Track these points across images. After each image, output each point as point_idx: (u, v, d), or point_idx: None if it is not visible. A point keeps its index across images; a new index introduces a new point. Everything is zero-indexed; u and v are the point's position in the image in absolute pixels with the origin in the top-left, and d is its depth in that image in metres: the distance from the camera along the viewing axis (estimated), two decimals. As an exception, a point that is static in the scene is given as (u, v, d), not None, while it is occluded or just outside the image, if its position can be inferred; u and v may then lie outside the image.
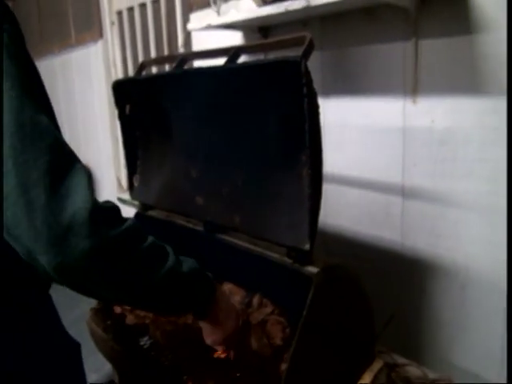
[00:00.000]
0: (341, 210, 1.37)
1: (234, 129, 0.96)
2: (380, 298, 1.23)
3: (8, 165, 0.52)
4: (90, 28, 2.77)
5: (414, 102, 1.17)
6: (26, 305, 0.69)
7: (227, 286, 1.31)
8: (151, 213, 1.42)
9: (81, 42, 2.93)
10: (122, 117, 1.40)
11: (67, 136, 3.37)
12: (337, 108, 1.34)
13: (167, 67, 1.98)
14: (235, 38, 1.51)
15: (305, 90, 0.70)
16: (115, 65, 2.64)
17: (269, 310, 1.18)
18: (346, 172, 1.34)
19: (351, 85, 1.29)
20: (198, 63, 1.34)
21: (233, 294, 1.28)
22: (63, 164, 0.54)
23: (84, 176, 0.55)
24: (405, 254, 1.22)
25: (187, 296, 0.69)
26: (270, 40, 0.87)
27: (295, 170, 0.79)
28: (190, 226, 1.21)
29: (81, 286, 0.56)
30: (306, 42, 0.73)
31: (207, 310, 0.76)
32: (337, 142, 1.35)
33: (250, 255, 0.99)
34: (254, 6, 1.18)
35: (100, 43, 2.66)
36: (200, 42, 1.74)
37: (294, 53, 0.75)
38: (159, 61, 1.29)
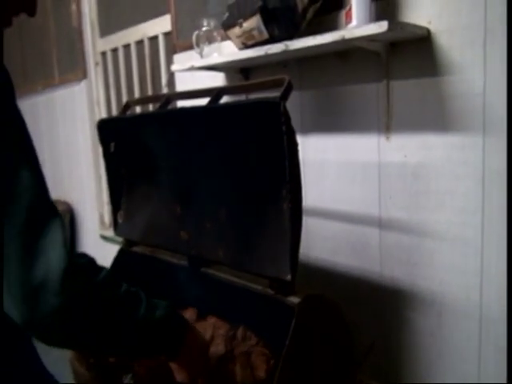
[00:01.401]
0: (321, 242, 1.41)
1: (218, 166, 1.01)
2: (360, 326, 1.26)
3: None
4: (74, 68, 2.84)
5: (388, 138, 1.23)
6: (5, 342, 0.69)
7: (211, 320, 1.31)
8: (135, 249, 1.43)
9: (64, 81, 2.98)
10: (106, 154, 1.43)
11: (50, 173, 3.37)
12: (315, 145, 1.40)
13: (151, 107, 2.04)
14: (217, 79, 1.58)
15: (284, 128, 0.75)
16: (99, 104, 2.70)
17: (253, 342, 1.19)
18: (326, 205, 1.39)
19: (329, 123, 1.36)
20: (181, 103, 1.40)
21: (216, 327, 1.29)
22: (39, 223, 0.56)
23: (60, 233, 0.57)
24: (383, 283, 1.26)
25: (159, 340, 0.72)
26: (251, 82, 0.93)
27: (276, 204, 0.83)
28: (175, 261, 1.23)
29: (51, 340, 0.58)
30: (285, 84, 0.79)
31: (178, 350, 0.77)
32: (316, 177, 1.41)
33: (234, 288, 1.01)
34: (235, 49, 1.25)
35: (84, 83, 2.72)
36: (183, 83, 1.80)
37: (274, 94, 0.80)
38: (144, 101, 1.34)
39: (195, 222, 1.12)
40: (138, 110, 2.06)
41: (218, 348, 1.19)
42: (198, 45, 1.36)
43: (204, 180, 1.06)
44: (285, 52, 1.06)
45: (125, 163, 1.42)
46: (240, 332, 1.21)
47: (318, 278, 1.42)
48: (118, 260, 1.47)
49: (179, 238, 1.17)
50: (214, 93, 0.96)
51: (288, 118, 0.76)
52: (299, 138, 1.41)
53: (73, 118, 2.94)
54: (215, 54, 1.31)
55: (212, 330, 1.29)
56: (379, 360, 1.24)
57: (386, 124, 1.23)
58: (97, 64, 2.65)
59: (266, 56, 1.17)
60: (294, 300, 0.85)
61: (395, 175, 1.22)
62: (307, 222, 1.43)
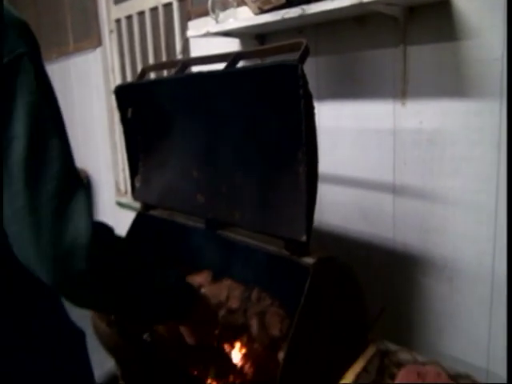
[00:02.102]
0: (335, 208, 1.43)
1: (234, 130, 1.02)
2: (373, 290, 1.29)
3: (18, 185, 0.58)
4: (89, 35, 2.83)
5: (403, 104, 1.23)
6: (29, 292, 0.73)
7: (226, 282, 1.36)
8: (153, 212, 1.47)
9: (79, 49, 2.98)
10: (123, 120, 1.45)
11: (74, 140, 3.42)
12: (331, 111, 1.40)
13: (165, 73, 2.04)
14: (232, 46, 1.58)
15: (301, 91, 0.76)
16: (114, 71, 2.70)
17: (268, 302, 1.23)
18: (340, 172, 1.41)
19: (344, 89, 1.36)
20: (197, 69, 1.40)
21: (232, 289, 1.33)
22: (68, 190, 0.60)
23: (86, 202, 0.61)
24: (396, 249, 1.28)
25: (170, 306, 0.78)
26: (268, 46, 0.93)
27: (292, 167, 0.85)
28: (191, 223, 1.27)
29: (77, 299, 0.63)
30: (302, 48, 0.79)
31: (187, 315, 0.82)
32: (331, 144, 1.41)
33: (250, 249, 1.04)
34: (251, 14, 1.25)
35: (99, 50, 2.72)
36: (198, 50, 1.80)
37: (290, 58, 0.81)
38: (160, 66, 1.35)
39: (211, 185, 1.14)
40: (152, 76, 2.07)
41: (232, 306, 1.24)
42: (213, 10, 1.35)
43: (220, 143, 1.08)
44: (301, 17, 1.05)
45: (142, 128, 1.44)
46: (255, 293, 1.26)
47: (330, 242, 1.46)
48: (135, 223, 1.51)
49: (196, 201, 1.19)
50: (231, 57, 0.97)
51: (305, 82, 0.77)
52: (315, 104, 1.44)
53: (87, 86, 2.95)
54: (231, 20, 1.30)
55: (227, 291, 1.33)
56: (391, 323, 1.27)
57: (402, 90, 1.23)
58: (111, 31, 2.64)
59: (283, 21, 1.16)
60: (309, 261, 0.88)
61: (410, 142, 1.22)
62: (320, 189, 1.44)
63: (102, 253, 0.61)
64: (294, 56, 0.80)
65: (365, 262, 1.36)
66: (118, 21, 2.59)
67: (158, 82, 1.28)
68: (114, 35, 2.63)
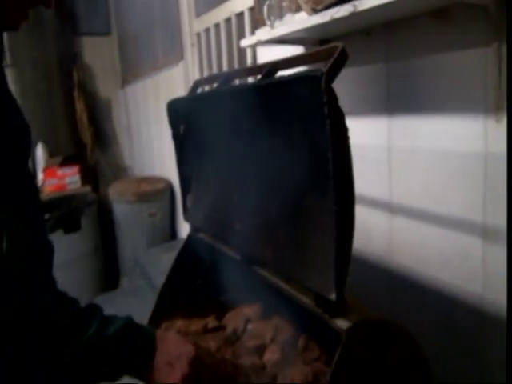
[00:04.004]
0: (408, 248, 1.18)
1: (269, 153, 0.86)
2: (447, 365, 1.02)
3: None
4: (174, 50, 2.88)
5: (498, 121, 0.96)
6: None
7: (275, 321, 1.20)
8: (201, 235, 1.37)
9: (166, 64, 3.06)
10: (176, 136, 1.38)
11: (157, 152, 3.53)
12: (405, 128, 1.17)
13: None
14: (297, 53, 1.42)
15: (326, 110, 0.58)
16: (193, 85, 2.69)
17: (315, 355, 1.04)
18: (415, 204, 1.15)
19: (421, 101, 1.12)
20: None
21: (279, 330, 1.17)
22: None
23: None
24: (486, 309, 1.00)
25: (119, 358, 0.67)
26: (304, 53, 0.76)
27: (321, 204, 0.66)
28: (231, 254, 1.13)
29: None
30: (335, 54, 0.61)
31: (145, 368, 0.69)
32: (404, 169, 1.17)
33: (284, 296, 0.87)
34: (306, 16, 1.08)
35: (181, 64, 2.74)
36: (264, 58, 1.67)
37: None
38: (211, 79, 1.24)
39: (249, 214, 1.00)
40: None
41: (272, 356, 1.07)
42: (268, 18, 1.21)
43: (256, 167, 0.93)
44: (354, 15, 0.86)
45: (193, 145, 1.35)
46: (302, 341, 1.08)
47: (402, 291, 1.20)
48: (186, 245, 1.42)
49: (234, 230, 1.06)
50: (266, 69, 0.81)
51: (332, 97, 0.58)
52: (385, 121, 1.21)
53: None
54: (279, 25, 1.15)
55: (272, 332, 1.17)
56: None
57: (496, 102, 0.96)
58: (192, 45, 2.64)
59: (336, 22, 0.97)
60: (342, 324, 0.68)
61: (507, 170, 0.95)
62: (392, 222, 1.22)
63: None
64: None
65: (441, 320, 1.08)
66: (198, 34, 2.57)
67: (202, 96, 1.17)
68: (195, 48, 2.63)
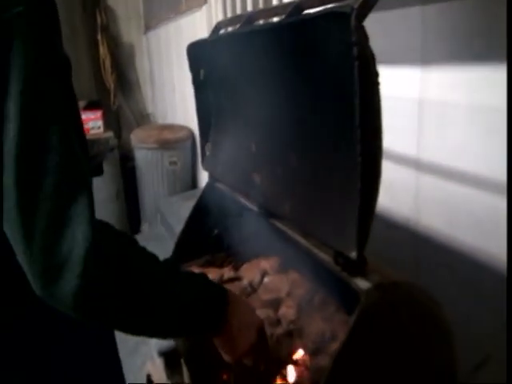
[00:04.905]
0: (436, 208, 1.12)
1: (290, 99, 0.81)
2: (474, 329, 0.99)
3: (9, 179, 0.48)
4: (197, -7, 2.75)
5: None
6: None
7: (291, 276, 1.18)
8: (219, 185, 1.34)
9: (189, 8, 2.94)
10: (195, 82, 1.32)
11: (179, 101, 3.47)
12: (440, 79, 1.08)
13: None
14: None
15: (355, 51, 0.52)
16: (217, 29, 2.58)
17: (332, 309, 1.03)
18: (447, 162, 1.08)
19: (461, 50, 1.02)
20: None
21: (295, 285, 1.15)
22: (67, 190, 0.50)
23: (88, 205, 0.51)
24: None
25: (196, 319, 0.64)
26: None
27: (345, 157, 0.62)
28: (249, 205, 1.10)
29: (71, 314, 0.54)
30: (369, -12, 0.54)
31: (218, 325, 0.67)
32: (438, 123, 1.09)
33: (302, 251, 0.84)
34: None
35: (204, 8, 2.62)
36: None
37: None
38: (233, 21, 1.16)
39: (267, 165, 0.96)
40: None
41: (288, 311, 1.07)
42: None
43: (277, 114, 0.87)
44: None
45: (213, 91, 1.30)
46: (318, 297, 1.06)
47: (428, 252, 1.16)
48: (204, 194, 1.40)
49: (251, 181, 1.02)
50: (290, 8, 0.74)
51: (363, 37, 0.52)
52: (418, 70, 1.12)
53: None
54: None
55: (289, 287, 1.16)
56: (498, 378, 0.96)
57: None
58: (217, -13, 2.51)
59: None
60: (362, 284, 0.65)
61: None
62: (419, 180, 1.15)
63: (103, 267, 0.51)
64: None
65: (468, 286, 1.04)
66: (223, -25, 2.43)
67: (223, 38, 1.10)
68: (219, -9, 2.49)
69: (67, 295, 0.50)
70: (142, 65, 4.52)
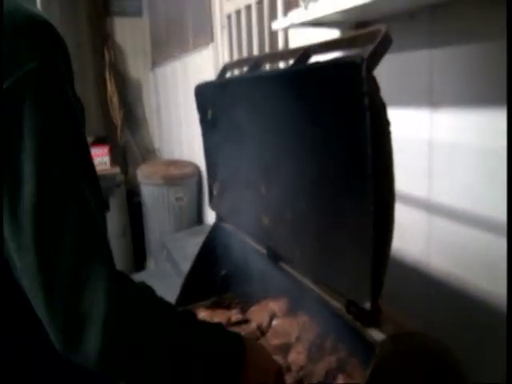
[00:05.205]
0: (446, 251, 1.09)
1: (301, 145, 0.81)
2: (488, 373, 0.95)
3: (27, 237, 0.48)
4: (204, 32, 2.82)
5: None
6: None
7: (301, 319, 1.15)
8: (226, 225, 1.33)
9: (196, 46, 3.01)
10: (203, 121, 1.34)
11: (185, 137, 3.51)
12: (449, 122, 1.08)
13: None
14: (333, 36, 1.34)
15: (366, 100, 0.52)
16: (223, 68, 2.63)
17: (343, 354, 1.00)
18: (457, 204, 1.06)
19: (469, 93, 1.02)
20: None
21: (305, 329, 1.12)
22: (87, 245, 0.50)
23: (106, 260, 0.52)
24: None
25: (213, 367, 0.62)
26: (342, 37, 0.70)
27: (358, 204, 0.61)
28: (257, 247, 1.09)
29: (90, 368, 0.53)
30: (379, 38, 0.55)
31: (236, 374, 0.64)
32: (447, 165, 1.08)
33: (312, 296, 0.82)
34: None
35: (211, 46, 2.68)
36: (297, 42, 1.59)
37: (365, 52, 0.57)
38: (240, 63, 1.19)
39: (277, 208, 0.95)
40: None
41: (298, 357, 1.03)
42: (303, -2, 1.14)
43: (287, 158, 0.87)
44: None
45: (220, 132, 1.31)
46: (329, 342, 1.03)
47: (439, 297, 1.12)
48: (211, 234, 1.39)
49: (260, 223, 1.01)
50: (299, 53, 0.75)
51: (374, 87, 0.52)
52: (427, 112, 1.13)
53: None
54: (314, 7, 1.07)
55: (299, 332, 1.13)
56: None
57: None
58: (223, 27, 2.58)
59: (385, 1, 0.90)
60: (376, 335, 0.63)
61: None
62: (431, 222, 1.14)
63: (125, 323, 0.51)
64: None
65: (485, 331, 1.00)
66: (229, 16, 2.51)
67: (231, 81, 1.12)
68: (225, 31, 2.56)
69: (89, 352, 0.49)
70: (148, 100, 4.60)
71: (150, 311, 0.56)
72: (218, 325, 0.70)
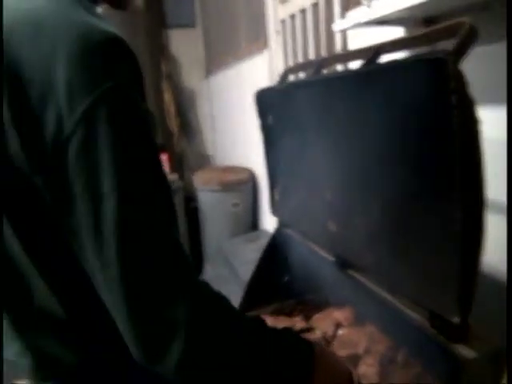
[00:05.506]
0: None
1: (373, 148, 0.77)
2: None
3: (109, 252, 0.48)
4: (257, 38, 2.83)
5: None
6: None
7: (369, 329, 1.11)
8: (289, 231, 1.31)
9: (249, 53, 3.02)
10: (264, 128, 1.33)
11: (240, 142, 3.54)
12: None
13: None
14: (397, 35, 1.28)
15: (454, 98, 0.48)
16: (278, 74, 2.62)
17: (417, 370, 0.94)
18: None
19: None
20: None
21: (374, 341, 1.08)
22: (169, 258, 0.51)
23: (188, 270, 0.52)
24: None
25: (284, 372, 0.61)
26: (416, 34, 0.66)
27: (443, 211, 0.57)
28: (323, 254, 1.06)
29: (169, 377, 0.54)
30: (462, 32, 0.51)
31: (305, 380, 0.63)
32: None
33: (386, 307, 0.78)
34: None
35: (265, 53, 2.68)
36: (357, 43, 1.55)
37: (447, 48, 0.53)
38: (302, 67, 1.17)
39: (345, 214, 0.92)
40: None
41: (368, 370, 0.99)
42: (366, -5, 1.10)
43: (357, 164, 0.84)
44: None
45: (282, 137, 1.29)
46: (401, 356, 0.98)
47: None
48: (273, 240, 1.38)
49: (326, 229, 0.98)
50: (370, 53, 0.72)
51: (462, 83, 0.48)
52: (503, 110, 1.05)
53: (256, 89, 2.96)
54: (379, 4, 1.03)
55: (367, 343, 1.08)
56: None
57: None
58: (277, 32, 2.57)
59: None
60: (465, 352, 0.58)
61: None
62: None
63: (206, 333, 0.52)
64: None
65: None
66: (283, 21, 2.49)
67: (294, 85, 1.10)
68: (280, 36, 2.55)
69: (171, 362, 0.50)
70: (202, 109, 4.69)
71: (228, 321, 0.56)
72: (289, 330, 0.69)
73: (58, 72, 0.46)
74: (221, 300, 0.57)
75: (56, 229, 0.52)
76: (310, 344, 0.66)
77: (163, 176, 0.56)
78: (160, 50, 4.30)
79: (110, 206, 0.48)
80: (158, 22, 4.25)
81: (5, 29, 0.48)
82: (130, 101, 0.50)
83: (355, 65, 0.95)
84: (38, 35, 0.47)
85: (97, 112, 0.47)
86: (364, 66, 0.73)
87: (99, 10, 0.63)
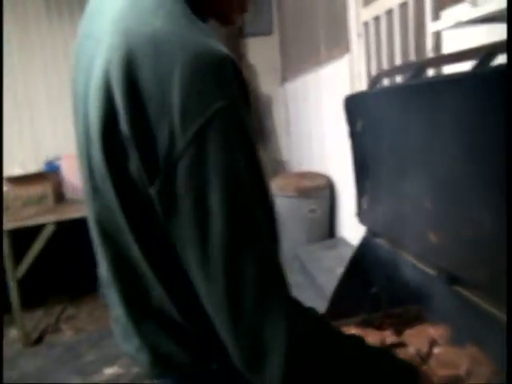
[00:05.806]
0: None
1: (474, 155, 0.72)
2: None
3: (216, 268, 0.51)
4: (338, 43, 2.80)
5: None
6: None
7: (470, 350, 1.04)
8: (379, 240, 1.27)
9: (330, 57, 2.99)
10: (352, 134, 1.30)
11: (316, 148, 3.52)
12: None
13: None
14: (495, 34, 1.20)
15: None
16: (360, 78, 2.57)
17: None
18: None
19: None
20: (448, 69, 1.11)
21: (476, 362, 1.00)
22: (269, 275, 0.52)
23: (285, 289, 0.53)
24: None
25: None
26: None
27: None
28: (421, 266, 1.01)
29: None
30: None
31: None
32: None
33: (498, 327, 0.72)
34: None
35: (346, 57, 2.64)
36: (451, 44, 1.47)
37: None
38: (394, 71, 1.13)
39: (448, 224, 0.86)
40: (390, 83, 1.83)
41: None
42: (470, -8, 1.03)
43: (461, 171, 0.79)
44: None
45: (371, 144, 1.26)
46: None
47: None
48: (360, 249, 1.34)
49: (426, 240, 0.93)
50: (482, 54, 0.67)
51: None
52: None
53: (337, 94, 2.91)
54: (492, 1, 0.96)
55: (469, 364, 1.01)
56: None
57: None
58: (359, 36, 2.52)
59: None
60: None
61: None
62: None
63: (303, 348, 0.53)
64: None
65: None
66: (365, 24, 2.44)
67: (388, 90, 1.06)
68: (362, 39, 2.50)
69: (271, 377, 0.51)
70: (278, 115, 4.73)
71: (323, 338, 0.56)
72: (390, 353, 0.68)
73: (172, 93, 0.48)
74: (316, 318, 0.57)
75: (168, 237, 0.55)
76: (415, 369, 0.65)
77: (267, 193, 0.57)
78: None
79: (216, 223, 0.49)
80: (236, 31, 4.36)
81: (127, 50, 0.51)
82: (238, 120, 0.52)
83: (450, 69, 0.89)
84: (157, 57, 0.50)
85: (207, 132, 0.49)
86: (475, 68, 0.69)
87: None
